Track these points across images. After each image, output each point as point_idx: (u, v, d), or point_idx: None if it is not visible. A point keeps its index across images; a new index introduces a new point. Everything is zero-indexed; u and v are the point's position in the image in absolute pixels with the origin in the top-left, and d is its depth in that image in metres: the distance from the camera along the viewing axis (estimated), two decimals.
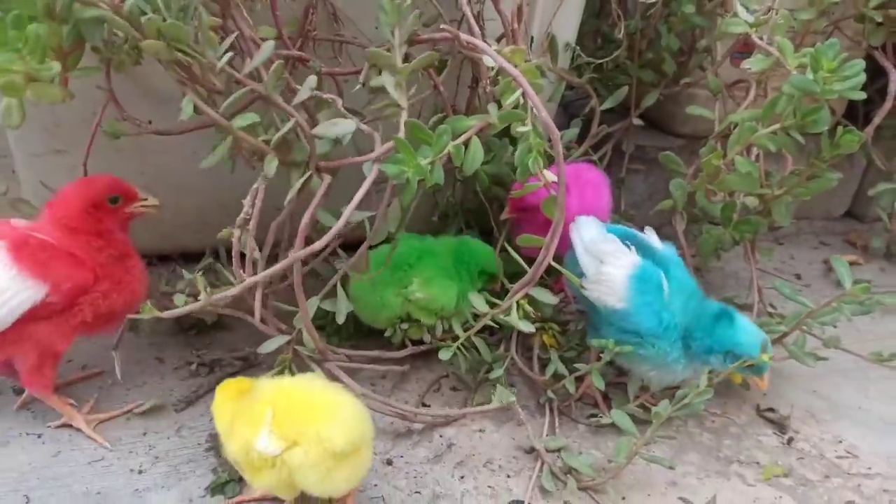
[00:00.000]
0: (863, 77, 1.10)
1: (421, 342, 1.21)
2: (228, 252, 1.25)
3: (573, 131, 1.46)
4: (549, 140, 1.00)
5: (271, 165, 0.97)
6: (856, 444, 1.19)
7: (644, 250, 1.14)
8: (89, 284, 0.96)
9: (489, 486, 1.03)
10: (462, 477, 1.04)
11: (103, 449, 1.01)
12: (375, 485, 1.00)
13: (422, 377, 1.23)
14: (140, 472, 0.98)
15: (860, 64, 1.09)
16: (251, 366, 1.20)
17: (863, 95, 1.11)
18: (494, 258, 1.26)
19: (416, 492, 1.00)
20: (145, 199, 1.05)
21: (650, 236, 1.20)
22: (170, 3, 0.83)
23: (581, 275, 1.12)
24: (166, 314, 0.94)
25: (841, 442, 1.20)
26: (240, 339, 1.26)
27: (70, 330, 0.98)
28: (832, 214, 1.97)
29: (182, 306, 0.95)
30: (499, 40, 1.24)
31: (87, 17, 0.83)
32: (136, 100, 1.15)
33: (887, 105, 1.50)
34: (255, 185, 0.96)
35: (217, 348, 1.24)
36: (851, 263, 1.73)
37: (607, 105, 1.48)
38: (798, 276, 1.71)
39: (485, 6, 1.20)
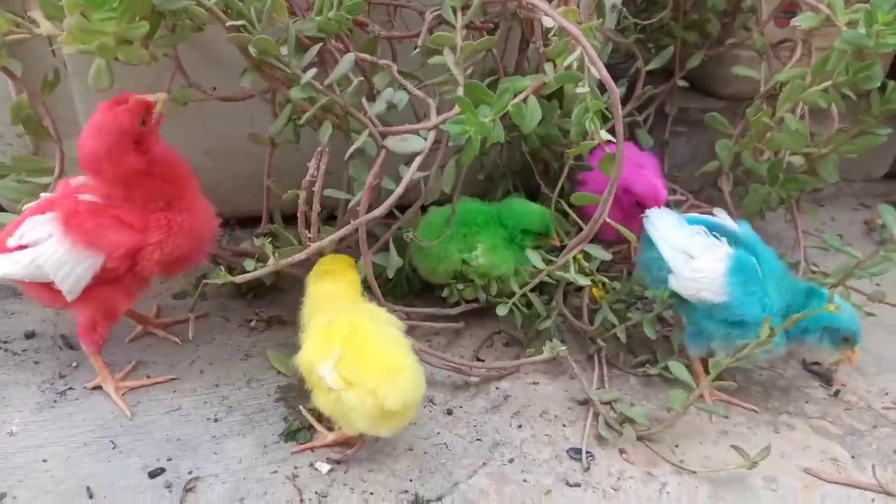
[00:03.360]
0: None
1: (475, 300, 1.24)
2: (283, 215, 1.30)
3: (618, 92, 1.47)
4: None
5: (326, 132, 1.01)
6: None
7: (727, 236, 1.12)
8: (141, 244, 0.96)
9: (546, 434, 1.07)
10: (520, 426, 1.08)
11: (181, 399, 1.06)
12: (438, 433, 1.05)
13: (475, 333, 1.27)
14: (216, 420, 1.03)
15: None
16: None
17: None
18: (537, 217, 1.26)
19: (478, 439, 1.05)
20: (156, 100, 0.95)
21: (725, 219, 1.18)
22: (261, 16, 0.87)
23: (664, 271, 1.12)
24: (238, 279, 0.99)
25: (887, 394, 1.22)
26: (295, 298, 1.30)
27: (135, 288, 1.01)
28: (872, 176, 1.96)
29: (252, 271, 0.99)
30: (550, 2, 1.25)
31: (177, 7, 0.87)
32: (200, 67, 1.18)
33: None
34: (318, 148, 1.00)
35: (275, 307, 1.28)
36: None
37: (653, 66, 1.49)
38: (840, 236, 1.71)
39: None
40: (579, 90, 1.01)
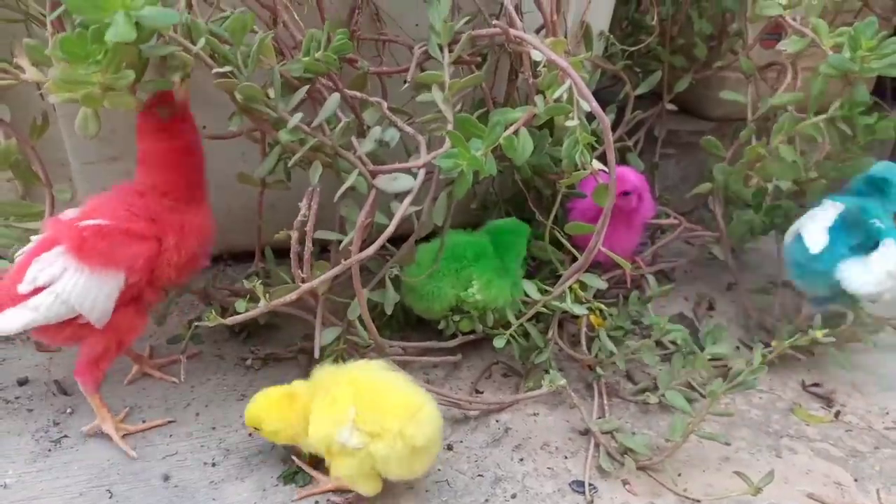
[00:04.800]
0: None
1: (471, 332, 1.24)
2: (275, 251, 1.30)
3: (608, 118, 1.47)
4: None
5: (316, 173, 1.00)
6: None
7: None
8: (158, 250, 0.97)
9: (548, 468, 1.06)
10: (521, 459, 1.07)
11: (177, 443, 1.05)
12: (439, 469, 1.04)
13: (473, 364, 1.26)
14: (213, 464, 1.02)
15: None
16: (307, 358, 1.23)
17: None
18: (521, 224, 1.30)
19: (479, 475, 1.03)
20: (173, 85, 0.98)
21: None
22: (247, 60, 0.87)
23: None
24: (229, 321, 0.97)
25: (888, 414, 1.22)
26: (291, 334, 1.29)
27: (151, 302, 1.02)
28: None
29: (243, 312, 0.99)
30: (538, 32, 1.26)
31: (163, 53, 0.87)
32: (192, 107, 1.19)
33: None
34: (310, 188, 1.00)
35: (271, 344, 1.27)
36: None
37: (641, 91, 1.50)
38: None
39: (523, 2, 1.23)
40: (569, 123, 1.02)
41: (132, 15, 0.79)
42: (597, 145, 1.04)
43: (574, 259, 1.25)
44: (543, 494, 1.01)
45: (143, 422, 1.08)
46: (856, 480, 1.08)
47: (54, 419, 1.08)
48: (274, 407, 0.95)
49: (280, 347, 1.25)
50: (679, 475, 1.06)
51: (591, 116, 1.04)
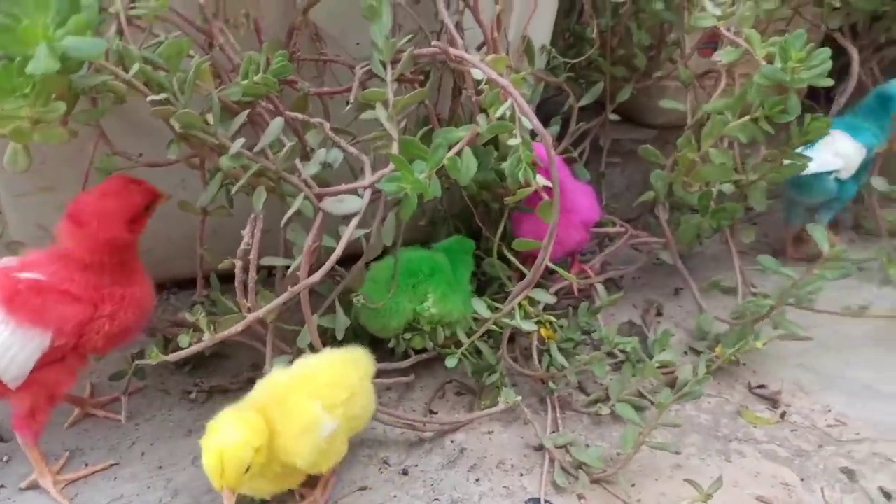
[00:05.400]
0: (829, 64, 1.15)
1: (423, 351, 1.23)
2: (220, 277, 1.27)
3: (553, 130, 1.49)
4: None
5: (260, 199, 0.99)
6: (843, 412, 1.26)
7: None
8: (91, 316, 0.94)
9: (504, 487, 1.06)
10: (477, 480, 1.07)
11: (122, 486, 1.01)
12: (395, 496, 1.03)
13: (426, 384, 1.26)
14: None
15: (826, 52, 1.15)
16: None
17: (829, 82, 1.17)
18: (466, 239, 1.33)
19: (435, 499, 1.03)
20: (163, 196, 1.02)
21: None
22: (183, 87, 0.85)
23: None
24: (172, 357, 0.95)
25: (830, 411, 1.26)
26: (239, 363, 1.27)
27: (78, 365, 0.98)
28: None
29: (187, 346, 0.96)
30: (479, 48, 1.26)
31: (94, 83, 0.84)
32: (123, 134, 1.15)
33: (851, 85, 1.56)
34: (252, 215, 0.98)
35: (217, 376, 1.24)
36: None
37: (584, 102, 1.52)
38: (775, 254, 1.77)
39: (463, 16, 1.22)
40: (511, 142, 1.02)
41: (55, 46, 0.76)
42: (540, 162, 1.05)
43: (522, 274, 1.27)
44: None
45: (86, 465, 1.04)
46: (802, 480, 1.11)
47: None
48: (245, 433, 0.88)
49: (226, 378, 1.22)
50: (633, 486, 1.07)
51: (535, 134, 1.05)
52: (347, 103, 1.12)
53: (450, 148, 1.05)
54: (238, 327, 0.96)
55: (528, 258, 1.27)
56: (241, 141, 0.92)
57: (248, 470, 0.85)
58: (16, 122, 0.83)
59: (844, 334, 1.43)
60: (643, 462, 1.11)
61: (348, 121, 1.14)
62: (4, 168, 1.11)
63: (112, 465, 1.05)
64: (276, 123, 0.96)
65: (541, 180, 1.07)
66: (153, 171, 1.17)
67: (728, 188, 1.41)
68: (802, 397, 1.29)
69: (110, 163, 1.13)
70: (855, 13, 1.58)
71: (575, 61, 1.49)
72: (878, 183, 1.54)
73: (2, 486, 1.00)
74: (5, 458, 1.05)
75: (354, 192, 1.01)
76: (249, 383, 1.18)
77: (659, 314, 1.50)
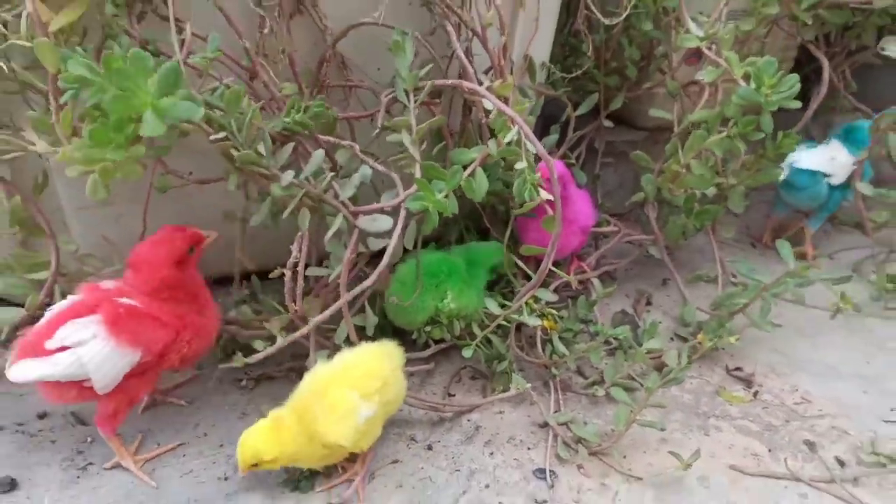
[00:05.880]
0: (797, 88, 1.31)
1: (441, 340, 1.40)
2: (258, 274, 1.44)
3: (553, 138, 1.64)
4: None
5: (305, 220, 1.15)
6: (809, 390, 1.44)
7: None
8: (175, 340, 1.11)
9: (514, 459, 1.24)
10: (491, 453, 1.25)
11: (190, 462, 1.19)
12: (422, 468, 1.21)
13: (444, 370, 1.43)
14: (226, 479, 1.16)
15: (794, 78, 1.30)
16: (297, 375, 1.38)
17: (798, 104, 1.32)
18: (500, 251, 1.45)
19: (457, 470, 1.21)
20: (207, 237, 1.19)
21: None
22: (242, 127, 1.00)
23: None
24: (252, 359, 1.12)
25: (797, 390, 1.44)
26: (281, 353, 1.42)
27: (156, 377, 1.15)
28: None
29: (263, 350, 1.14)
30: (486, 72, 1.41)
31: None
32: (174, 155, 1.29)
33: (823, 91, 1.71)
34: (299, 233, 1.14)
35: (262, 365, 1.39)
36: (797, 232, 1.98)
37: (581, 111, 1.68)
38: (753, 245, 1.95)
39: (472, 42, 1.37)
40: (519, 166, 1.18)
41: (160, 111, 0.91)
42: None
43: (525, 274, 1.44)
44: (511, 483, 1.19)
45: (158, 445, 1.21)
46: (769, 451, 1.29)
47: (77, 448, 1.21)
48: (265, 439, 1.08)
49: (271, 367, 1.39)
50: (624, 457, 1.25)
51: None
52: (377, 130, 1.27)
53: (464, 167, 1.21)
54: (303, 331, 1.13)
55: (532, 258, 1.44)
56: (290, 173, 1.07)
57: (256, 465, 1.08)
58: (103, 163, 0.99)
59: (815, 321, 1.61)
60: (633, 437, 1.29)
61: (370, 141, 1.30)
62: (68, 183, 1.27)
63: (180, 444, 1.22)
64: (318, 155, 1.11)
65: (544, 195, 1.24)
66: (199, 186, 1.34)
67: (710, 191, 1.57)
68: (774, 378, 1.47)
69: (165, 181, 1.29)
70: (828, 24, 1.73)
71: (572, 75, 1.63)
72: (864, 188, 1.69)
73: (91, 464, 1.18)
74: (89, 440, 1.22)
75: (382, 210, 1.17)
76: (291, 371, 1.37)
77: (648, 303, 1.67)
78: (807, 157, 1.71)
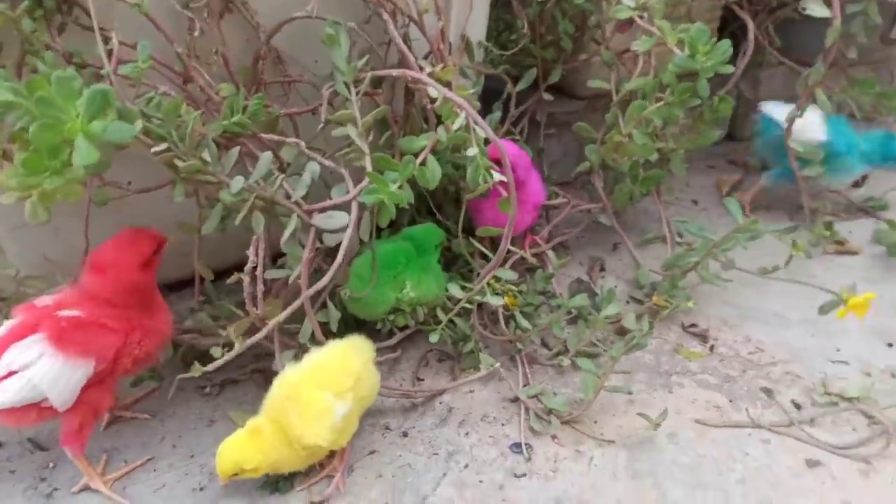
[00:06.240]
0: (730, 52, 1.35)
1: (406, 328, 1.40)
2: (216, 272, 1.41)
3: (496, 115, 1.65)
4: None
5: (259, 224, 1.12)
6: (762, 339, 1.50)
7: None
8: (125, 343, 1.08)
9: (490, 436, 1.26)
10: (467, 433, 1.27)
11: (161, 476, 1.17)
12: (400, 455, 1.22)
13: (410, 356, 1.44)
14: (201, 489, 1.15)
15: (727, 44, 1.34)
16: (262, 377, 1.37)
17: (731, 69, 1.36)
18: (437, 230, 1.46)
19: (434, 453, 1.22)
20: (167, 239, 1.16)
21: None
22: (184, 137, 0.97)
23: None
24: (211, 367, 1.10)
25: (749, 341, 1.50)
26: (242, 356, 1.40)
27: (114, 384, 1.12)
28: (713, 140, 2.26)
29: (220, 357, 1.11)
30: (426, 57, 1.40)
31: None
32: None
33: (750, 49, 1.75)
34: (255, 237, 1.12)
35: (224, 370, 1.36)
36: (737, 183, 2.04)
37: (521, 87, 1.68)
38: (695, 202, 2.01)
39: (409, 28, 1.36)
40: (470, 152, 1.18)
41: (92, 137, 0.87)
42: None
43: (482, 254, 1.45)
44: (489, 460, 1.21)
45: (125, 463, 1.19)
46: (730, 402, 1.34)
47: (39, 475, 1.17)
48: (244, 448, 1.07)
49: (233, 371, 1.37)
50: (595, 423, 1.28)
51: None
52: (322, 123, 1.25)
53: (415, 156, 1.20)
54: (260, 335, 1.12)
55: (487, 237, 1.45)
56: (240, 179, 1.05)
57: (236, 475, 1.07)
58: (41, 188, 0.95)
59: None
60: (602, 402, 1.32)
61: (314, 135, 1.28)
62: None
63: (148, 459, 1.19)
64: (266, 157, 1.09)
65: (497, 177, 1.24)
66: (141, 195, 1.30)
67: (653, 156, 1.61)
68: (727, 331, 1.53)
69: (104, 194, 1.25)
70: None
71: (510, 52, 1.64)
72: (795, 143, 1.74)
73: (56, 489, 1.14)
74: (51, 465, 1.19)
75: (337, 206, 1.16)
76: (255, 373, 1.36)
77: (602, 269, 1.71)
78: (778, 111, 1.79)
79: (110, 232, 1.33)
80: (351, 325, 1.44)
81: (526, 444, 1.24)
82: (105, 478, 1.15)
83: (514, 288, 1.46)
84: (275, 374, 1.28)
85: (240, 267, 1.23)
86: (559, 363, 1.40)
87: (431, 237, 1.43)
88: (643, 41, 1.44)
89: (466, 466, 1.20)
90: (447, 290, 1.36)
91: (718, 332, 1.52)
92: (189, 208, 1.28)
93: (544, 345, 1.48)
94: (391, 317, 1.37)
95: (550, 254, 1.58)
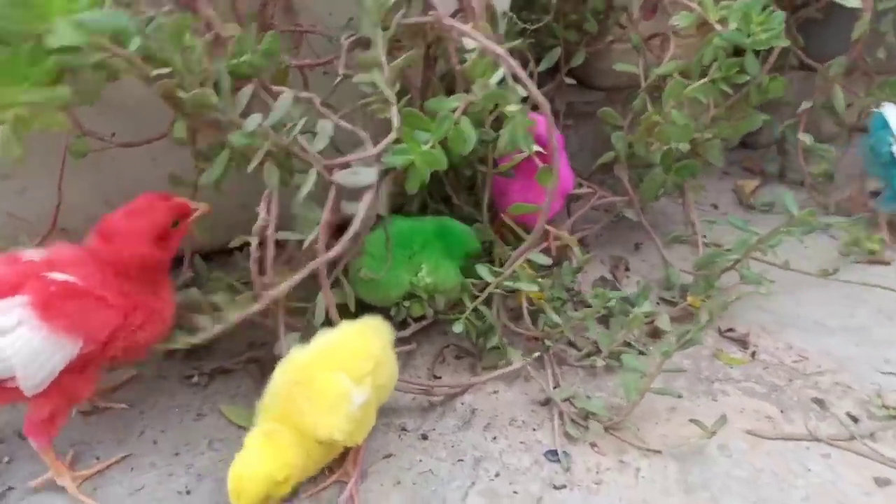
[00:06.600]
0: (783, 26, 1.24)
1: (422, 318, 1.24)
2: (202, 255, 1.23)
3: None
4: None
5: (273, 176, 0.96)
6: (803, 347, 1.37)
7: None
8: (123, 325, 0.89)
9: (521, 442, 1.10)
10: (494, 438, 1.10)
11: (140, 476, 0.98)
12: (420, 460, 1.05)
13: (425, 351, 1.27)
14: (188, 492, 0.96)
15: (781, 16, 1.23)
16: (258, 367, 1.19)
17: (786, 42, 1.25)
18: (476, 240, 1.30)
19: (459, 459, 1.06)
20: (195, 209, 0.98)
21: None
22: (191, 64, 0.81)
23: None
24: (196, 339, 0.92)
25: (791, 348, 1.37)
26: (235, 344, 1.23)
27: (98, 370, 0.93)
28: (728, 147, 2.17)
29: (210, 328, 0.94)
30: (453, 16, 1.26)
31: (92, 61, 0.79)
32: (91, 113, 1.09)
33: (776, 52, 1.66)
34: (267, 191, 0.95)
35: (214, 358, 1.20)
36: (756, 189, 1.95)
37: (544, 66, 1.56)
38: (715, 206, 1.89)
39: None
40: (511, 109, 1.04)
41: (75, 20, 0.71)
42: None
43: (504, 239, 1.31)
44: (523, 468, 1.05)
45: (97, 459, 0.99)
46: (781, 412, 1.21)
47: None
48: (267, 458, 0.87)
49: (225, 359, 1.19)
50: (638, 430, 1.13)
51: None
52: (338, 77, 1.10)
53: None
54: (257, 307, 0.94)
55: (503, 225, 1.31)
56: (257, 116, 0.89)
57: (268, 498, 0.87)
58: (16, 109, 0.77)
59: (792, 277, 1.56)
60: (642, 408, 1.17)
61: (327, 93, 1.13)
62: None
63: (125, 456, 1.00)
64: (286, 98, 0.93)
65: (534, 147, 1.11)
66: (122, 151, 1.13)
67: (684, 147, 1.49)
68: (766, 337, 1.40)
69: (82, 145, 1.07)
70: None
71: (535, 27, 1.51)
72: (805, 137, 1.65)
73: (10, 489, 0.94)
74: (6, 460, 0.99)
75: (363, 163, 1.00)
76: (250, 363, 1.18)
77: (627, 269, 1.57)
78: None
79: (86, 194, 1.17)
80: (360, 313, 1.28)
81: (563, 452, 1.08)
82: (74, 475, 0.95)
83: (540, 280, 1.32)
84: (273, 364, 1.12)
85: (228, 250, 1.07)
86: (591, 364, 1.25)
87: (467, 241, 1.27)
88: (683, 16, 1.33)
89: (497, 475, 1.04)
90: (474, 276, 1.20)
91: (757, 339, 1.39)
92: (182, 166, 1.11)
93: (572, 345, 1.33)
94: (406, 303, 1.21)
95: (576, 248, 1.43)
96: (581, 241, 1.60)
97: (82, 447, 1.02)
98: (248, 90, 0.92)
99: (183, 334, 0.93)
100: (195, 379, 1.16)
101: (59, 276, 0.85)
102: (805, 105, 1.61)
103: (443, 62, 1.31)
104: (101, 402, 1.08)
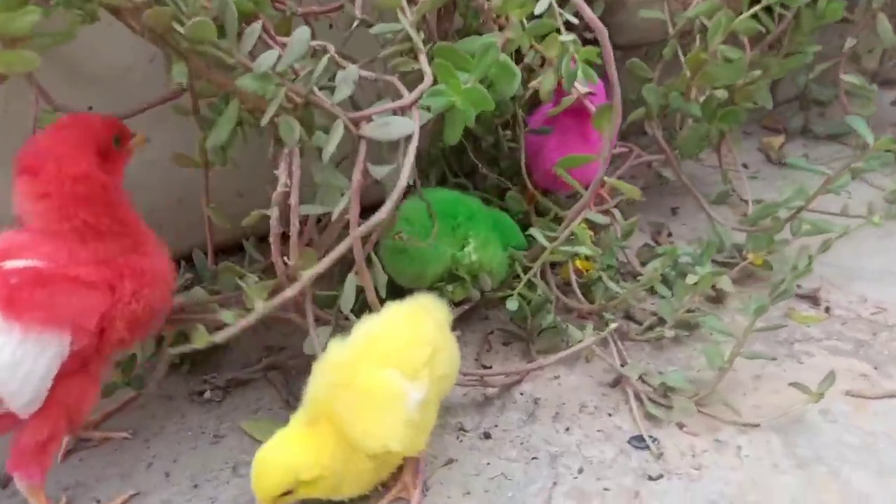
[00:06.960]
0: None
1: (464, 302, 1.08)
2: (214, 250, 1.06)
3: None
4: None
5: (294, 130, 0.78)
6: (880, 299, 1.24)
7: None
8: (113, 302, 0.71)
9: (598, 431, 0.94)
10: (567, 429, 0.95)
11: None
12: (487, 463, 0.88)
13: (468, 340, 1.11)
14: None
15: None
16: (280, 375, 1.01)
17: None
18: (521, 234, 1.15)
19: (533, 458, 0.90)
20: (134, 134, 0.80)
21: None
22: None
23: None
24: (219, 336, 0.75)
25: (866, 301, 1.24)
26: (245, 350, 1.06)
27: (102, 369, 0.76)
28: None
29: (234, 323, 0.76)
30: None
31: None
32: (62, 86, 0.92)
33: None
34: (286, 150, 0.78)
35: (226, 369, 1.03)
36: (783, 145, 1.82)
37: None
38: (745, 166, 1.76)
39: None
40: (564, 38, 0.89)
41: None
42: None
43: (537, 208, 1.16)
44: (608, 461, 0.89)
45: (98, 503, 0.81)
46: (875, 368, 1.07)
47: None
48: (300, 448, 0.73)
49: (238, 369, 1.02)
50: (725, 405, 0.98)
51: None
52: (352, 24, 0.95)
53: None
54: (289, 293, 0.77)
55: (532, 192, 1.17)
56: (273, 53, 0.72)
57: (285, 494, 0.71)
58: None
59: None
60: (724, 379, 1.02)
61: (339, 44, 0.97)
62: None
63: (133, 495, 0.82)
64: (303, 34, 0.76)
65: (580, 86, 0.97)
66: None
67: (722, 94, 1.36)
68: (836, 291, 1.26)
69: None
70: None
71: None
72: (850, 77, 1.51)
73: None
74: None
75: (393, 112, 0.84)
76: (270, 370, 1.01)
77: (669, 235, 1.43)
78: None
79: None
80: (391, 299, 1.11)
81: (650, 437, 0.93)
82: None
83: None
84: (297, 368, 0.95)
85: (229, 249, 0.93)
86: (658, 336, 1.10)
87: (517, 237, 1.13)
88: None
89: (581, 471, 0.88)
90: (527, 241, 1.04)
91: (828, 294, 1.25)
92: (183, 142, 0.95)
93: (628, 317, 1.17)
94: (449, 287, 1.04)
95: (616, 212, 1.28)
96: (617, 207, 1.46)
97: (78, 490, 0.83)
98: (255, 27, 0.75)
99: (201, 334, 0.75)
100: (207, 395, 0.97)
101: (17, 264, 0.67)
102: (850, 42, 1.48)
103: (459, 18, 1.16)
104: (96, 434, 0.89)
